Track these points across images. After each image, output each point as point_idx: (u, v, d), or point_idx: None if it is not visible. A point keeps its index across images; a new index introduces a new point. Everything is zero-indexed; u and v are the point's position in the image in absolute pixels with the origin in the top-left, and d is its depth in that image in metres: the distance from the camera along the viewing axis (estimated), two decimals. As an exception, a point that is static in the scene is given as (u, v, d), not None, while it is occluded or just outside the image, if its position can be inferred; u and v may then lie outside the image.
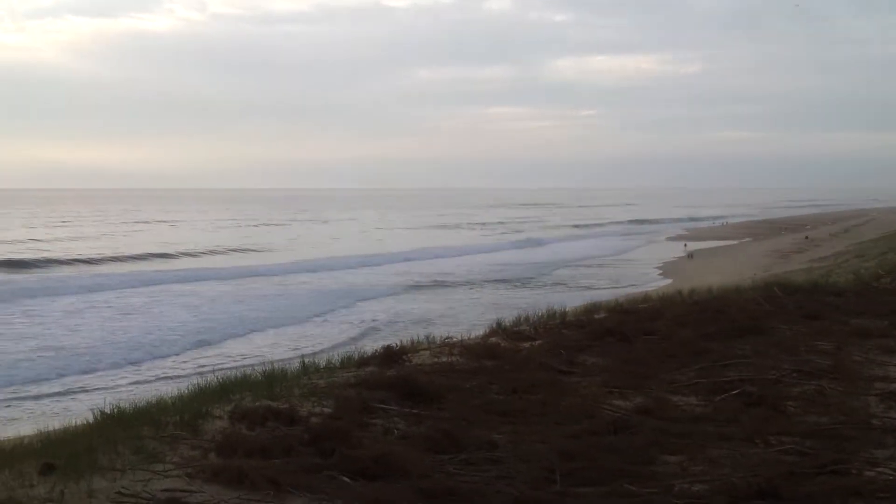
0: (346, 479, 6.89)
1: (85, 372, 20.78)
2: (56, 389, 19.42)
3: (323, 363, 12.41)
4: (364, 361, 12.33)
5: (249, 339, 25.08)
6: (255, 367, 12.42)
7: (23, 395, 19.06)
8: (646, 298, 20.06)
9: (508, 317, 16.92)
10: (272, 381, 10.67)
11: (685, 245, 56.17)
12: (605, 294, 27.02)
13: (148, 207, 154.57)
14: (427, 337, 14.50)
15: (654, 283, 35.67)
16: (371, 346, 15.77)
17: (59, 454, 7.52)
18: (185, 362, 21.96)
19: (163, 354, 22.81)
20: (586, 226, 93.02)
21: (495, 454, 7.78)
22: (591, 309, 17.89)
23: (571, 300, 24.36)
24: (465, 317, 27.21)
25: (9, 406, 18.15)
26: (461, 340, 13.95)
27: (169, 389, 12.11)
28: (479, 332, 15.98)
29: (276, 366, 12.04)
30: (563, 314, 16.74)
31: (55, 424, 11.09)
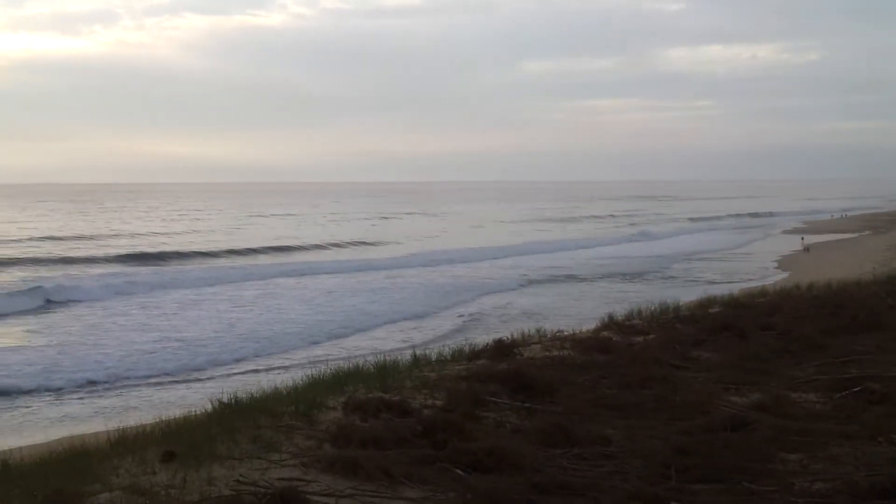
0: (458, 471, 6.90)
1: (206, 363, 21.36)
2: (179, 378, 20.04)
3: (434, 356, 12.49)
4: (475, 354, 12.36)
5: (364, 332, 25.29)
6: (368, 360, 12.53)
7: (149, 383, 19.72)
8: (762, 293, 19.64)
9: (620, 311, 16.75)
10: (384, 373, 10.77)
11: (802, 238, 54.61)
12: (719, 289, 26.44)
13: (260, 201, 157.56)
14: (538, 330, 14.47)
15: (770, 277, 34.75)
16: (481, 339, 15.80)
17: (179, 442, 7.71)
18: (300, 354, 22.32)
19: (280, 347, 23.24)
20: (701, 219, 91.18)
21: (608, 449, 7.71)
22: (706, 303, 17.60)
23: (685, 294, 23.99)
24: (576, 311, 26.98)
25: (136, 392, 18.82)
26: (572, 334, 13.88)
27: (284, 380, 12.31)
28: (590, 326, 15.87)
29: (387, 358, 12.16)
30: (677, 308, 16.52)
31: (175, 413, 11.41)
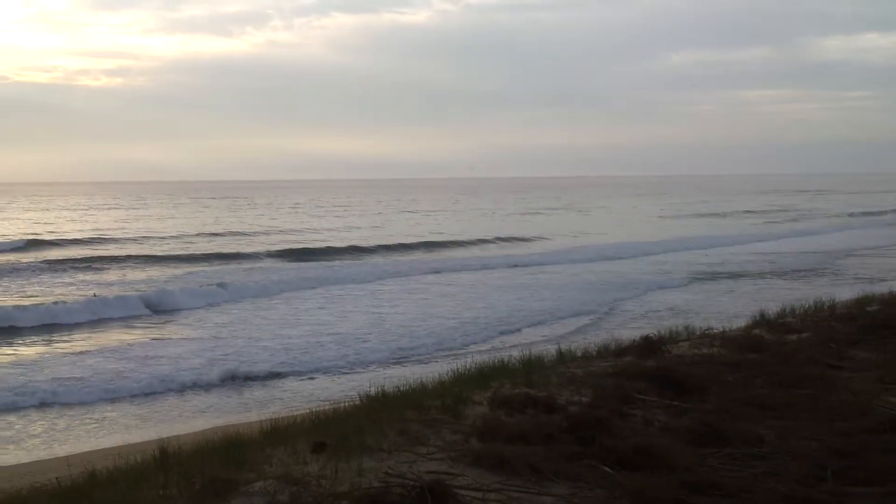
0: (606, 468, 6.83)
1: (356, 359, 21.81)
2: (331, 372, 20.53)
3: (579, 352, 12.41)
4: (621, 351, 12.23)
5: (512, 328, 25.25)
6: (512, 355, 12.54)
7: (301, 377, 20.28)
8: (925, 290, 18.78)
9: (772, 308, 16.30)
10: (530, 368, 10.76)
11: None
12: (879, 287, 25.40)
13: (405, 197, 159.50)
14: (686, 328, 14.20)
15: (934, 274, 33.25)
16: (627, 335, 15.61)
17: (329, 434, 7.87)
18: (451, 349, 22.52)
19: (436, 343, 23.52)
20: (860, 214, 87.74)
21: (761, 450, 7.49)
22: (864, 301, 16.95)
23: (841, 292, 23.12)
24: (726, 308, 26.39)
25: (287, 384, 19.39)
26: (722, 332, 13.58)
27: (430, 375, 12.43)
28: (741, 323, 15.49)
29: (532, 353, 12.13)
30: (832, 306, 15.96)
31: (325, 405, 11.66)
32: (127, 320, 28.16)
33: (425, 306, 29.95)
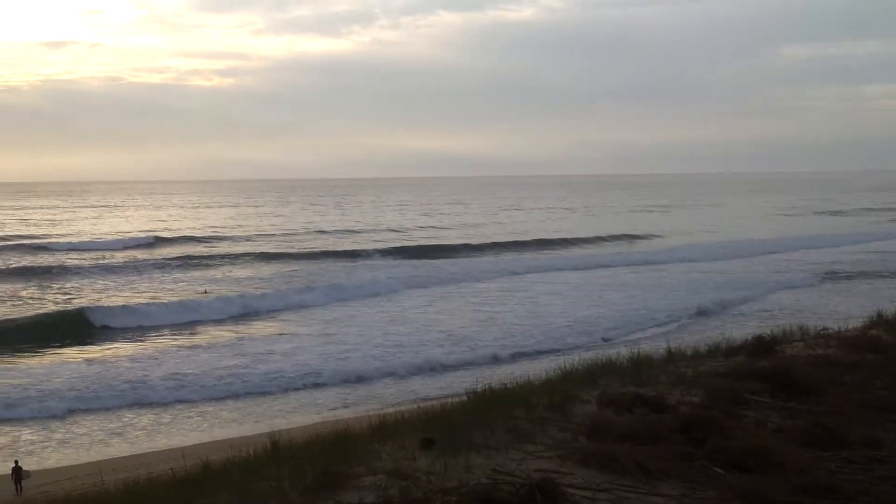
0: (718, 469, 6.71)
1: (465, 357, 21.96)
2: (437, 370, 20.73)
3: (689, 351, 12.22)
4: (733, 351, 12.00)
5: (625, 329, 25.03)
6: (621, 353, 12.41)
7: (408, 373, 20.57)
8: None
9: (890, 309, 15.81)
10: (638, 367, 10.63)
11: None
12: None
13: (510, 194, 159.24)
14: (800, 327, 13.87)
15: None
16: (739, 334, 15.33)
17: (436, 430, 7.89)
18: (560, 348, 22.46)
19: (537, 340, 23.50)
20: None
21: (880, 453, 7.25)
22: None
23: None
24: (842, 308, 25.71)
25: (420, 376, 19.69)
26: (838, 332, 13.21)
27: (536, 372, 12.39)
28: (856, 324, 15.05)
29: (640, 352, 11.99)
30: (956, 306, 15.37)
31: (433, 401, 11.74)
32: (238, 317, 28.86)
33: (535, 305, 29.90)
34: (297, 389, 19.64)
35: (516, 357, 21.69)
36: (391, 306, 30.40)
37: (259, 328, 26.86)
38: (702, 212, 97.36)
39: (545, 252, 52.61)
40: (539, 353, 21.97)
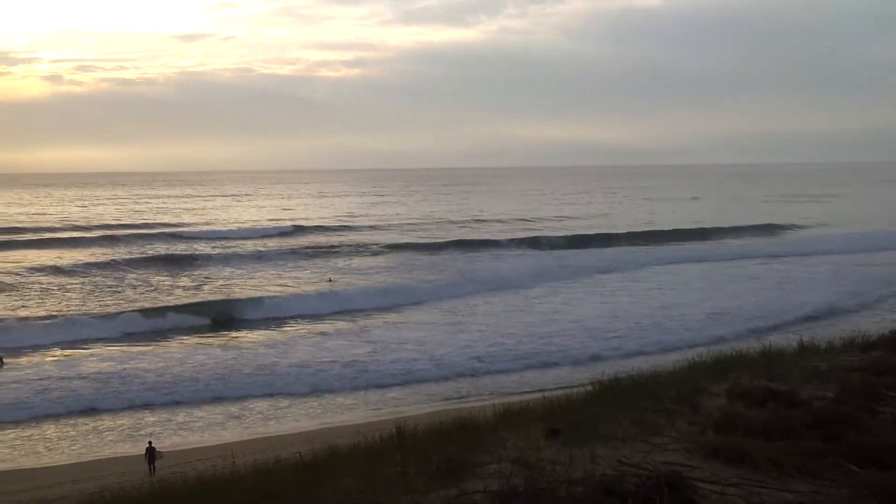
0: (853, 466, 6.50)
1: (591, 349, 21.86)
2: (563, 361, 20.64)
3: (823, 345, 11.89)
4: (869, 345, 11.61)
5: (764, 322, 24.46)
6: (751, 346, 12.15)
7: (537, 364, 20.55)
8: None
9: None
10: (770, 360, 10.38)
11: None
12: None
13: (642, 183, 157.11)
14: (943, 322, 13.35)
15: None
16: (875, 328, 14.83)
17: (561, 420, 7.86)
18: (696, 341, 22.15)
19: (673, 333, 23.28)
20: None
21: None
22: None
23: None
24: None
25: (547, 367, 19.69)
26: (985, 326, 12.66)
27: (664, 364, 12.22)
28: None
29: (772, 345, 11.73)
30: None
31: (557, 390, 11.69)
32: (365, 309, 29.25)
33: (669, 295, 29.60)
34: (421, 378, 19.87)
35: (644, 348, 21.48)
36: (515, 297, 30.43)
37: (388, 318, 27.24)
38: (859, 202, 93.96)
39: (684, 243, 51.86)
40: (669, 346, 21.70)
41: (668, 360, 13.87)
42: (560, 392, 11.66)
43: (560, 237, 54.08)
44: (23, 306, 29.81)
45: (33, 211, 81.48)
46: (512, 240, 52.55)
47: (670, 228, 59.34)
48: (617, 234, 55.46)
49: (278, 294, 31.74)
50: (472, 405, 13.86)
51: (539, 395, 11.72)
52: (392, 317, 27.24)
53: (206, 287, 34.26)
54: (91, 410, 18.12)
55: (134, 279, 36.44)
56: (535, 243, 51.07)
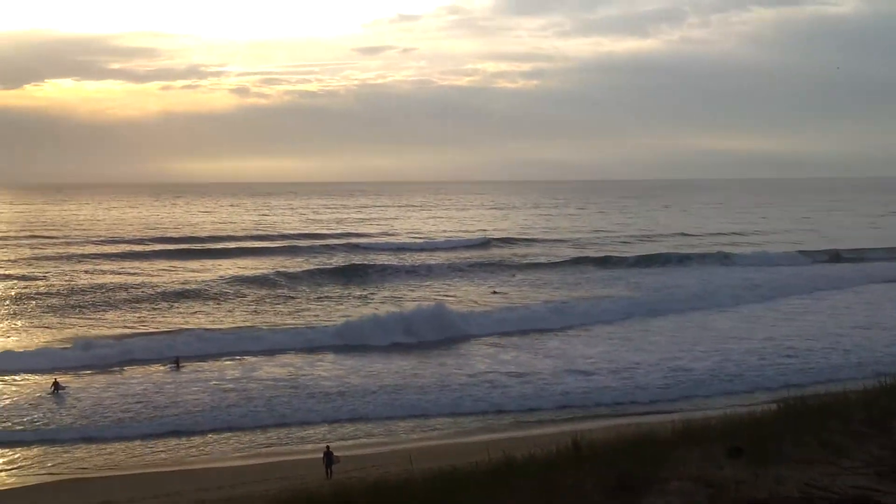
0: None
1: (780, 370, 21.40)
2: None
3: None
4: None
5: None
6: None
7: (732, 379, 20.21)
8: None
9: None
10: None
11: None
12: None
13: (828, 198, 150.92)
14: None
15: None
16: None
17: (743, 438, 7.66)
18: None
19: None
20: None
21: None
22: None
23: None
24: None
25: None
26: None
27: (853, 385, 11.77)
28: None
29: None
30: None
31: (739, 408, 11.40)
32: (540, 329, 29.14)
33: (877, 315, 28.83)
34: (598, 389, 19.77)
35: (838, 369, 20.80)
36: (699, 317, 29.95)
37: (567, 335, 27.38)
38: None
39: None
40: (865, 366, 20.97)
41: (858, 383, 13.37)
42: (743, 410, 11.38)
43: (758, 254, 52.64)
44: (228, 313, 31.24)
45: (271, 219, 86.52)
46: (707, 254, 51.72)
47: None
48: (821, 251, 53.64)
49: (491, 308, 32.15)
50: (652, 420, 13.66)
51: (720, 412, 11.48)
52: (579, 334, 27.25)
53: (411, 296, 35.21)
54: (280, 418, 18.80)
55: (328, 290, 37.71)
56: (727, 260, 49.85)
